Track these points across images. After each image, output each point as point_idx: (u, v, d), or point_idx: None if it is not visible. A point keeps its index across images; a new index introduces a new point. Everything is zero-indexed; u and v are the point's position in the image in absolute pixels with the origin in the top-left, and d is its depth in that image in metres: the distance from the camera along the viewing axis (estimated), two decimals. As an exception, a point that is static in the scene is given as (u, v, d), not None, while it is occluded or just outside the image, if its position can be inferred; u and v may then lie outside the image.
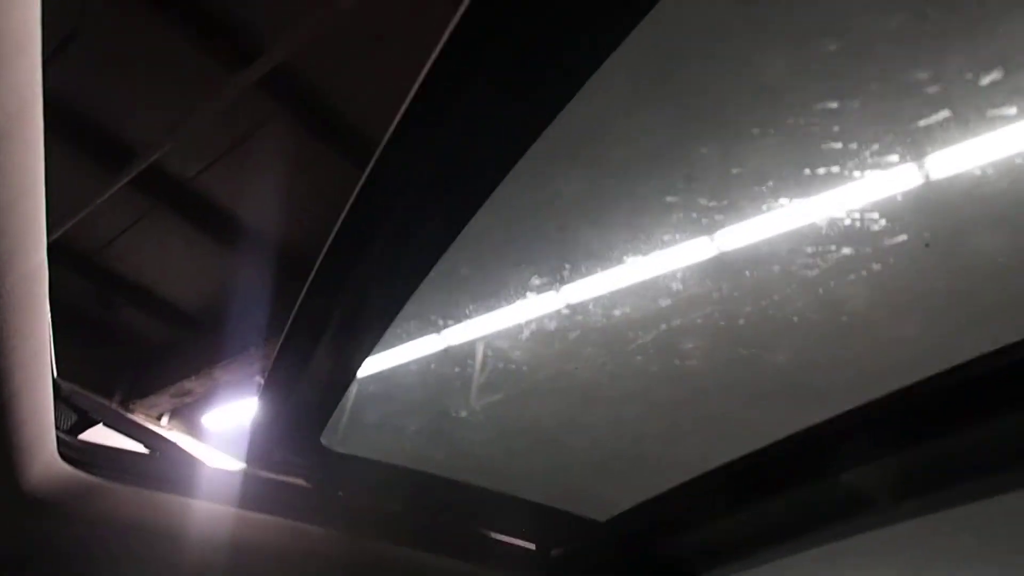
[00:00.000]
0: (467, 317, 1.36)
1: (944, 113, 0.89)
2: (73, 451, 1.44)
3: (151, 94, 5.83)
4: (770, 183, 1.03)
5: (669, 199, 1.08)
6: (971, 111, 0.89)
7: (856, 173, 0.98)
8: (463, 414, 1.60)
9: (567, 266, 1.22)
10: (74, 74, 5.75)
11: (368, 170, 1.12)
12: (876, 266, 1.09)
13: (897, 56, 0.85)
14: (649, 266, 1.18)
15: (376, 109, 5.73)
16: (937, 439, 1.30)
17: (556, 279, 1.25)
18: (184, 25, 5.26)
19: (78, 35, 5.57)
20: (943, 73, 0.85)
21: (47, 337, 1.19)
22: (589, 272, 1.22)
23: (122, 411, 7.88)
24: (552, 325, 1.33)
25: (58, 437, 1.35)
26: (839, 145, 0.95)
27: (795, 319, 1.22)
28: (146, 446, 1.80)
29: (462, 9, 0.86)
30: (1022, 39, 0.82)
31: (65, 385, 1.68)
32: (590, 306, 1.28)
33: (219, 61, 5.38)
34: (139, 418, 8.08)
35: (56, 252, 5.75)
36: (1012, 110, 0.87)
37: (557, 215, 1.15)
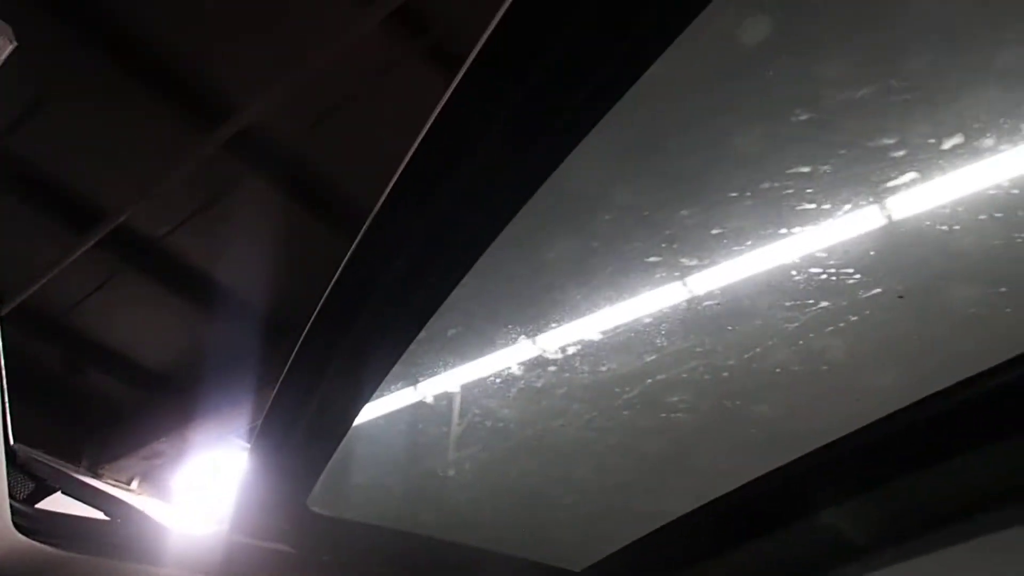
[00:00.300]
0: (455, 377, 1.38)
1: (911, 175, 0.94)
2: (29, 521, 1.39)
3: (119, 155, 5.83)
4: (749, 242, 1.07)
5: (652, 259, 1.12)
6: (936, 172, 0.94)
7: (830, 232, 1.03)
8: (451, 473, 1.60)
9: (553, 325, 1.25)
10: (41, 137, 5.74)
11: (360, 236, 1.15)
12: (853, 317, 1.13)
13: (865, 124, 0.91)
14: (634, 323, 1.21)
15: (350, 168, 5.78)
16: (914, 473, 1.34)
17: (543, 338, 1.27)
18: (152, 87, 5.29)
19: (46, 99, 5.58)
20: (908, 138, 0.91)
21: (1, 403, 1.17)
22: (575, 330, 1.25)
23: (86, 477, 7.66)
24: (539, 383, 1.35)
25: (13, 507, 1.32)
26: (813, 206, 1.00)
27: (777, 370, 1.25)
28: (107, 513, 1.74)
29: (454, 84, 0.90)
30: (979, 106, 0.88)
31: (21, 451, 1.65)
32: (576, 363, 1.30)
33: (188, 122, 5.41)
34: (107, 483, 7.89)
35: (23, 316, 5.66)
36: (974, 171, 0.93)
37: (544, 276, 1.18)
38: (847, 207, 0.99)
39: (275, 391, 1.50)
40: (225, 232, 6.27)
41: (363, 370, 1.37)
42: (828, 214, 0.99)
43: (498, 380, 1.37)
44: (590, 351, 1.27)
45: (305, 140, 5.62)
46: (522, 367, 1.33)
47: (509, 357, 1.32)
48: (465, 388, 1.40)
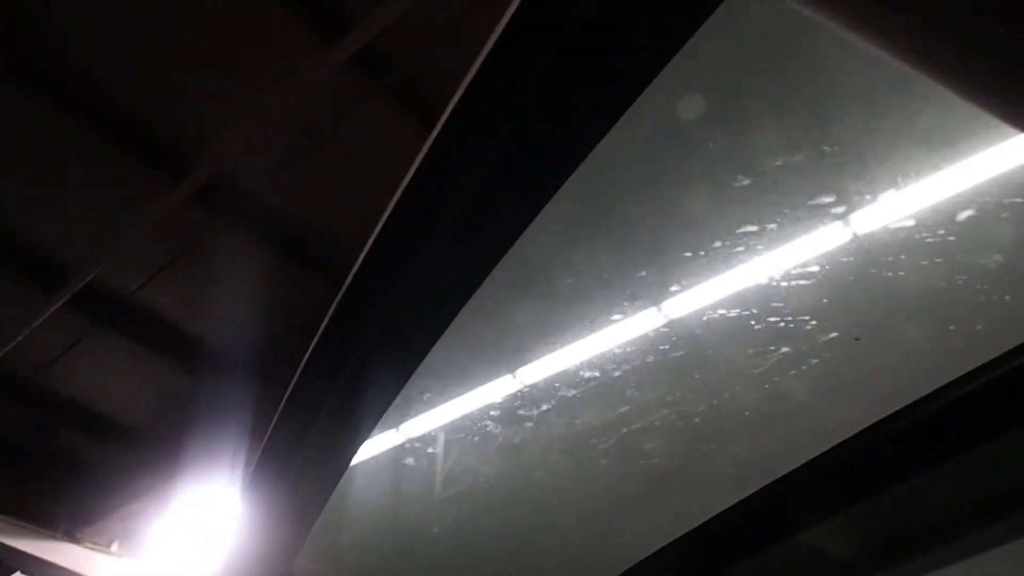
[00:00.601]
0: (434, 438, 1.41)
1: (853, 228, 0.98)
2: None
3: (83, 212, 5.78)
4: (708, 297, 1.11)
5: (615, 317, 1.16)
6: (874, 224, 0.99)
7: (784, 283, 1.07)
8: (435, 530, 1.62)
9: (526, 385, 1.28)
10: (1, 195, 5.69)
11: (332, 309, 1.17)
12: (814, 360, 1.18)
13: (804, 185, 0.95)
14: (604, 377, 1.25)
15: (319, 215, 5.78)
16: (889, 488, 1.37)
17: (517, 397, 1.30)
18: (114, 140, 5.26)
19: (3, 157, 5.54)
20: (845, 196, 0.96)
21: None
22: (548, 387, 1.28)
23: (64, 542, 7.51)
24: (517, 439, 1.38)
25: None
26: (764, 261, 1.04)
27: (746, 413, 1.29)
28: None
29: (420, 157, 0.93)
30: (907, 163, 0.93)
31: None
32: (551, 417, 1.34)
33: (152, 174, 5.38)
34: (86, 546, 7.73)
35: (-11, 381, 5.40)
36: (911, 222, 0.98)
37: (513, 338, 1.21)
38: (797, 260, 1.03)
39: (256, 461, 1.51)
40: (196, 284, 6.24)
41: (344, 436, 1.39)
42: (779, 267, 1.04)
43: (476, 439, 1.39)
44: (564, 406, 1.30)
45: (274, 186, 5.61)
46: (499, 425, 1.35)
47: (485, 417, 1.34)
48: (445, 447, 1.42)
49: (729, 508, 1.46)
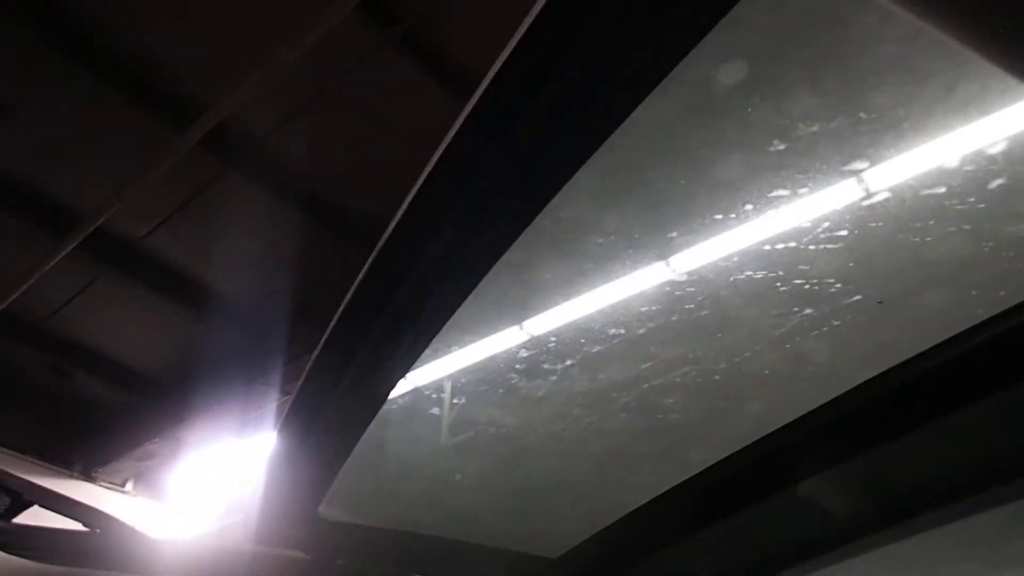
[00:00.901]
0: (460, 389, 1.44)
1: (884, 194, 1.00)
2: (7, 536, 1.43)
3: (93, 158, 5.79)
4: (735, 259, 1.13)
5: (644, 276, 1.18)
6: (906, 191, 1.01)
7: (811, 247, 1.09)
8: (456, 477, 1.67)
9: (552, 340, 1.31)
10: (13, 143, 5.69)
11: (369, 262, 1.19)
12: (836, 322, 1.20)
13: (838, 151, 0.97)
14: (629, 335, 1.27)
15: (325, 164, 5.77)
16: (888, 441, 1.41)
17: (544, 352, 1.33)
18: (123, 86, 5.24)
19: (15, 105, 5.53)
20: (878, 162, 0.97)
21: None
22: (574, 344, 1.31)
23: (80, 480, 7.71)
24: (541, 392, 1.41)
25: (-10, 523, 1.32)
26: (794, 225, 1.06)
27: (766, 371, 1.32)
28: (86, 524, 1.78)
29: (461, 120, 0.94)
30: (943, 132, 0.94)
31: (-6, 467, 1.66)
32: (575, 372, 1.37)
33: (162, 120, 5.37)
34: (101, 485, 7.92)
35: (6, 323, 5.63)
36: (942, 189, 0.99)
37: (542, 296, 1.24)
38: (826, 224, 1.05)
39: (289, 404, 1.56)
40: (207, 230, 6.26)
41: (374, 382, 1.42)
42: (808, 231, 1.06)
43: (501, 390, 1.43)
44: (588, 361, 1.34)
45: (282, 133, 5.60)
46: (524, 378, 1.39)
47: (511, 370, 1.38)
48: (470, 399, 1.46)
49: (727, 457, 1.51)
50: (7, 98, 5.50)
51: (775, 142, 0.96)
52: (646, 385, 1.37)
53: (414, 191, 0.97)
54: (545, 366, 1.37)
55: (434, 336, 1.28)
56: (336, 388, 1.42)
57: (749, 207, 1.03)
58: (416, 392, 1.45)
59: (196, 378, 6.99)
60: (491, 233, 1.01)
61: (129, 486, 8.04)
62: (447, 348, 1.36)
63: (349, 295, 1.23)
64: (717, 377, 1.34)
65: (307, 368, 1.39)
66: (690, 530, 1.66)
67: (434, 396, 1.46)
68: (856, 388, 1.25)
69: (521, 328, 1.30)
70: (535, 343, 1.32)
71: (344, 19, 4.50)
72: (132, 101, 5.32)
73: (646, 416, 1.45)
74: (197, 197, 6.05)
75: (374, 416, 1.49)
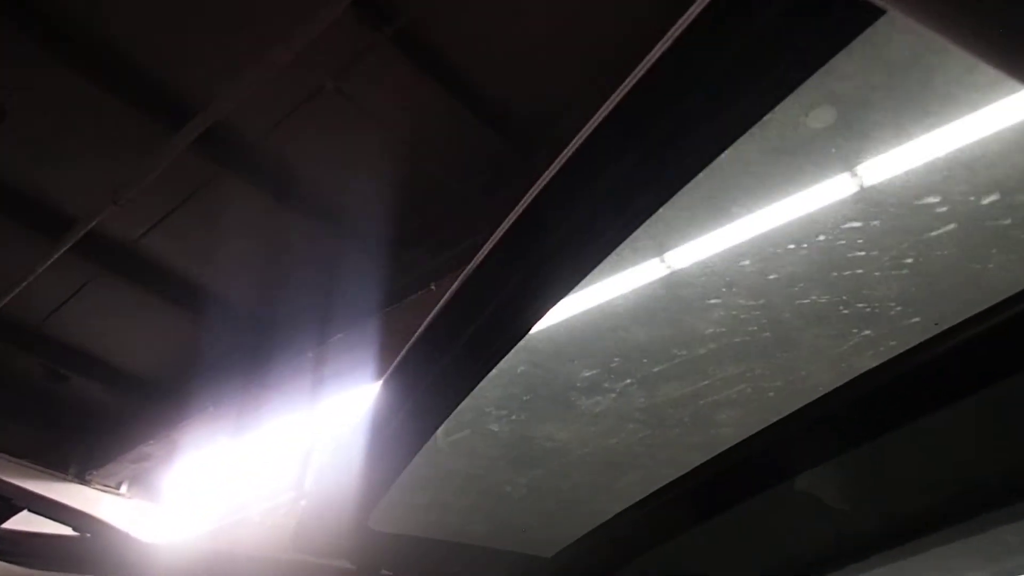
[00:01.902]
0: (518, 405, 1.48)
1: (951, 226, 1.06)
2: None
3: (88, 159, 5.76)
4: (801, 285, 1.19)
5: (711, 301, 1.23)
6: (972, 223, 1.06)
7: (876, 273, 1.15)
8: (507, 489, 1.71)
9: (616, 359, 1.36)
10: (7, 146, 5.64)
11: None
12: (892, 343, 1.26)
13: (912, 187, 1.02)
14: (690, 355, 1.32)
15: (319, 163, 5.77)
16: (881, 435, 1.46)
17: (604, 371, 1.38)
18: (116, 88, 5.21)
19: (8, 109, 5.48)
20: (949, 197, 1.03)
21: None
22: (635, 365, 1.36)
23: (74, 483, 7.66)
24: (598, 408, 1.46)
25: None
26: (862, 253, 1.12)
27: (820, 389, 1.38)
28: (76, 529, 1.76)
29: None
30: (1013, 170, 1.00)
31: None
32: (633, 390, 1.42)
33: (155, 122, 5.35)
34: (96, 488, 7.88)
35: (0, 326, 5.56)
36: (1007, 220, 1.05)
37: (611, 319, 1.28)
38: (892, 253, 1.10)
39: (349, 419, 1.59)
40: (203, 231, 6.24)
41: (432, 401, 1.47)
42: (875, 260, 1.11)
43: (560, 407, 1.48)
44: (648, 380, 1.38)
45: (275, 133, 5.59)
46: (583, 396, 1.43)
47: (571, 389, 1.42)
48: (527, 414, 1.50)
49: (717, 456, 1.56)
50: (1, 100, 5.45)
51: (852, 179, 1.02)
52: (701, 402, 1.42)
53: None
54: (605, 384, 1.41)
55: (502, 356, 1.32)
56: (409, 399, 1.45)
57: (822, 238, 1.08)
58: (477, 408, 1.49)
59: (191, 380, 6.98)
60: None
61: (124, 488, 8.00)
62: (512, 370, 1.40)
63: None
64: (771, 394, 1.40)
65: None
66: (683, 528, 1.71)
67: (493, 412, 1.50)
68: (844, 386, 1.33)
69: (585, 351, 1.35)
70: (598, 363, 1.37)
71: (338, 17, 4.48)
72: (126, 102, 5.29)
73: (698, 431, 1.51)
74: (192, 198, 6.03)
75: (428, 437, 1.53)
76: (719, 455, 1.57)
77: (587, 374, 1.39)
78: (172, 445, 7.40)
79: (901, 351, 1.29)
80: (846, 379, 1.33)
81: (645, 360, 1.35)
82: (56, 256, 5.95)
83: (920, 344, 1.25)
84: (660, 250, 1.17)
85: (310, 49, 4.72)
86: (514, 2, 4.76)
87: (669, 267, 1.20)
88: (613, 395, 1.43)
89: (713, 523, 1.72)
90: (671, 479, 1.62)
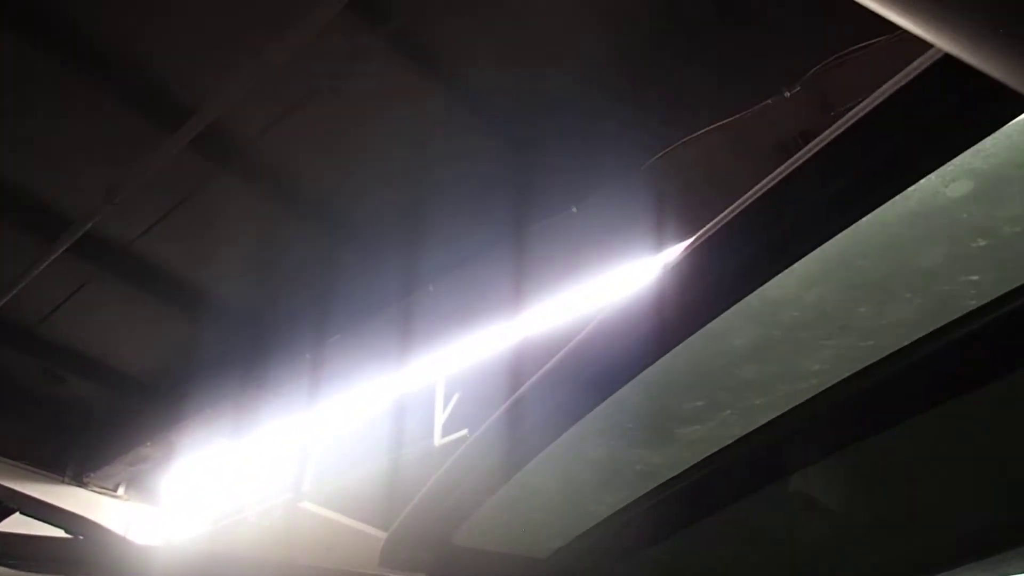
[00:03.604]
0: (615, 431, 1.56)
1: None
2: None
3: (83, 160, 5.69)
4: (902, 330, 1.28)
5: (826, 344, 1.32)
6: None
7: (986, 318, 1.24)
8: (591, 508, 1.79)
9: (723, 393, 1.45)
10: (2, 147, 5.56)
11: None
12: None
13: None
14: (792, 388, 1.42)
15: (316, 162, 5.76)
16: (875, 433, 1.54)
17: (707, 403, 1.47)
18: (111, 89, 5.15)
19: (2, 108, 5.40)
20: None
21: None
22: (740, 394, 1.45)
23: (71, 486, 7.59)
24: (695, 436, 1.54)
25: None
26: (974, 303, 1.21)
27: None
28: (70, 531, 1.78)
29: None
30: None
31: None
32: (732, 419, 1.50)
33: (151, 122, 5.29)
34: (93, 490, 7.81)
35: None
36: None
37: (726, 357, 1.36)
38: (1005, 304, 1.20)
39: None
40: (199, 232, 6.20)
41: (536, 432, 1.54)
42: (987, 310, 1.21)
43: (655, 437, 1.56)
44: (748, 410, 1.47)
45: (271, 133, 5.58)
46: (683, 424, 1.52)
47: (671, 419, 1.51)
48: (625, 446, 1.58)
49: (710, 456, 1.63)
50: (-6, 101, 5.37)
51: (978, 239, 1.11)
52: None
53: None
54: (704, 413, 1.50)
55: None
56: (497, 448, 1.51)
57: (946, 287, 1.18)
58: (576, 440, 1.56)
59: (188, 381, 6.94)
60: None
61: (121, 491, 7.94)
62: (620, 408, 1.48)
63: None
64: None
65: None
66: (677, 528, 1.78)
67: (591, 439, 1.58)
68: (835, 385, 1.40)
69: (699, 385, 1.43)
70: (704, 396, 1.45)
71: (334, 17, 4.46)
72: (122, 103, 5.23)
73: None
74: (188, 199, 5.99)
75: (523, 465, 1.60)
76: (716, 453, 1.60)
77: (686, 406, 1.48)
78: (169, 447, 7.37)
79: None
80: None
81: (748, 394, 1.44)
82: (53, 257, 5.89)
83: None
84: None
85: (306, 49, 4.70)
86: (513, 2, 4.77)
87: (793, 315, 1.28)
88: (712, 423, 1.52)
89: (713, 522, 1.78)
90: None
